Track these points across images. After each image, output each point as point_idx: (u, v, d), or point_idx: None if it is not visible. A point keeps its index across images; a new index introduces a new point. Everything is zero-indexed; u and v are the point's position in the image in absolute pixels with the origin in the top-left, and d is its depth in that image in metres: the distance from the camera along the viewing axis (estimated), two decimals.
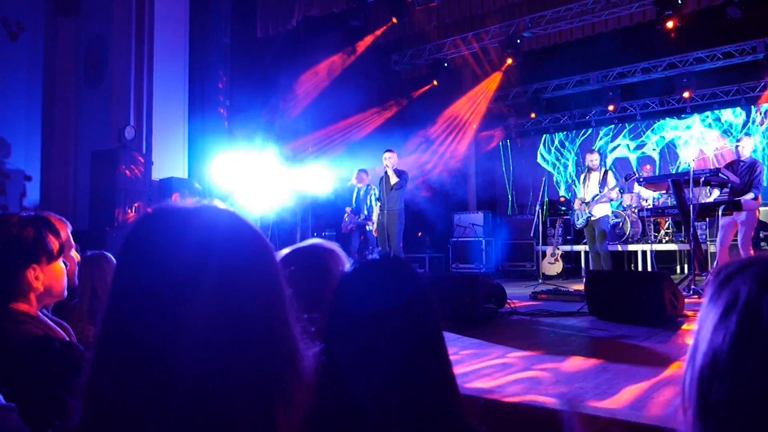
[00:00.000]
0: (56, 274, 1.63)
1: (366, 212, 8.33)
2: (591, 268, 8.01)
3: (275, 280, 0.72)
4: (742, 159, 6.67)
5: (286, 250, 1.45)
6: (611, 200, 7.71)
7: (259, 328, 0.68)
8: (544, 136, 14.04)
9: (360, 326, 0.98)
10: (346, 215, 8.59)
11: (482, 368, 3.21)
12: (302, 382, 0.71)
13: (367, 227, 8.26)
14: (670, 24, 9.19)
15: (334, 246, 1.51)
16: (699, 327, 0.67)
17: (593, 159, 7.91)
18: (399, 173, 7.72)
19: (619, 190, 7.91)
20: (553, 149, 13.91)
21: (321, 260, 1.44)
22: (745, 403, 0.59)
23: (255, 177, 8.53)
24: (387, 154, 7.76)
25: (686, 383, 0.67)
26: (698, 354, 0.65)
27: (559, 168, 13.80)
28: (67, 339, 1.63)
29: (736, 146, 6.90)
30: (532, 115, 13.52)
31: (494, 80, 12.38)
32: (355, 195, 8.60)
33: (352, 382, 0.94)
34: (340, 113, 10.94)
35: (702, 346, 0.65)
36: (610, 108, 12.40)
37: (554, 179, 13.74)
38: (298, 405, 0.70)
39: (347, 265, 1.36)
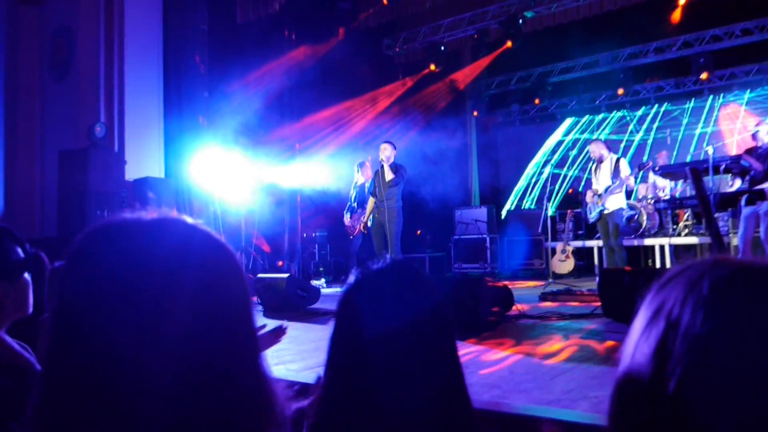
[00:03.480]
0: (24, 289, 1.58)
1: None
2: (605, 265, 7.97)
3: (245, 294, 0.74)
4: (760, 144, 6.62)
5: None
6: (629, 188, 7.63)
7: (229, 342, 0.69)
8: (551, 123, 14.04)
9: (369, 340, 1.00)
10: (348, 217, 8.49)
11: (488, 378, 3.16)
12: (271, 406, 0.72)
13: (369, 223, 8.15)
14: (682, 0, 9.16)
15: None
16: (628, 337, 0.65)
17: (593, 150, 7.84)
18: (396, 168, 7.49)
19: (634, 178, 7.84)
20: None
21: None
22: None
23: (236, 174, 8.47)
24: (383, 146, 7.53)
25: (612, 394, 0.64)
26: (620, 368, 0.64)
27: (568, 158, 13.80)
28: (30, 359, 1.59)
29: (755, 132, 6.84)
30: (537, 101, 13.48)
31: (479, 66, 12.44)
32: (357, 191, 8.49)
33: (366, 393, 0.98)
34: (327, 103, 10.87)
35: (625, 359, 0.63)
36: (621, 91, 12.36)
37: (563, 170, 13.72)
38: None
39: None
